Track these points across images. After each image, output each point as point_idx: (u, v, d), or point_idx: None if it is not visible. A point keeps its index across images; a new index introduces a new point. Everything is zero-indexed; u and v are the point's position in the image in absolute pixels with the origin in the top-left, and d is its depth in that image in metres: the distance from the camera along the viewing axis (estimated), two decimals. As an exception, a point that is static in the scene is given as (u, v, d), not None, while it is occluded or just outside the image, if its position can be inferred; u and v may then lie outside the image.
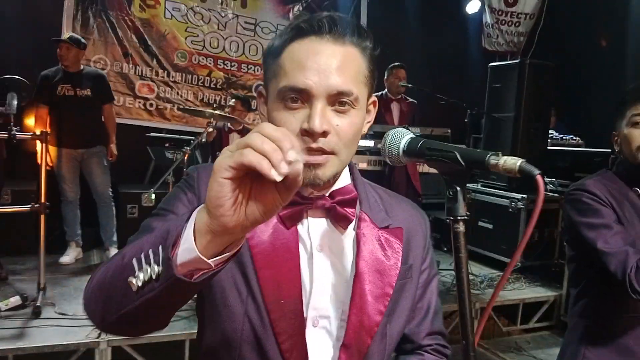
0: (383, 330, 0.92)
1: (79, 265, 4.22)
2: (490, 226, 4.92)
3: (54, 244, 4.04)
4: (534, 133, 4.84)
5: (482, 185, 5.15)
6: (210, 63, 5.71)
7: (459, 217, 0.68)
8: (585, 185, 1.49)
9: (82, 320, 3.06)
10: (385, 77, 4.70)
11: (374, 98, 0.93)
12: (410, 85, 4.48)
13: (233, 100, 4.44)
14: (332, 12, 0.85)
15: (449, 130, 4.27)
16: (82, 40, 4.20)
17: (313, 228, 0.91)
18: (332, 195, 0.90)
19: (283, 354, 0.86)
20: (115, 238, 4.31)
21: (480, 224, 5.03)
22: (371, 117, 0.93)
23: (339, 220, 0.91)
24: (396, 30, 6.39)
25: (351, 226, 0.92)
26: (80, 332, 2.91)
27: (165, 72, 5.50)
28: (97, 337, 2.85)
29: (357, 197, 0.92)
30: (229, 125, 4.29)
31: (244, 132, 4.36)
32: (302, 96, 0.83)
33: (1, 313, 3.07)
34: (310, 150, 0.82)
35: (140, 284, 0.66)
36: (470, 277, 4.41)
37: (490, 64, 5.27)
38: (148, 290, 0.66)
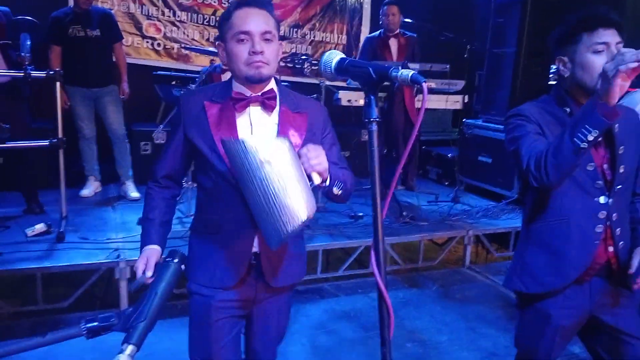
0: None
1: (98, 197, 4.52)
2: (489, 160, 5.07)
3: (73, 179, 4.32)
4: (534, 69, 4.89)
5: (483, 121, 5.27)
6: (215, 2, 5.74)
7: (372, 119, 0.87)
8: (517, 109, 1.65)
9: (102, 244, 3.38)
10: (380, 16, 4.74)
11: (281, 42, 1.55)
12: (409, 20, 4.53)
13: None
14: None
15: (448, 66, 4.35)
16: None
17: (253, 112, 1.54)
18: (263, 94, 1.53)
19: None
20: (130, 173, 4.58)
21: (480, 158, 5.18)
22: (281, 51, 1.56)
23: (266, 108, 1.55)
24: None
25: (276, 110, 1.56)
26: (101, 254, 3.22)
27: (171, 11, 5.57)
28: (117, 258, 3.16)
29: (276, 95, 1.55)
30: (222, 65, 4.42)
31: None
32: (246, 35, 1.46)
33: (28, 238, 3.39)
34: (256, 61, 1.46)
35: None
36: (466, 207, 4.64)
37: (495, -1, 5.25)
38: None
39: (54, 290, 3.20)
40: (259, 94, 1.53)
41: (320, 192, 1.56)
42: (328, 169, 1.41)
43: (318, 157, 1.37)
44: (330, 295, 3.60)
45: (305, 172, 1.34)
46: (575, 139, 1.39)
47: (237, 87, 1.54)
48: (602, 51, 1.52)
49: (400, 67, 0.83)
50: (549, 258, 1.64)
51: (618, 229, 1.61)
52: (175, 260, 1.24)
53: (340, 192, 1.52)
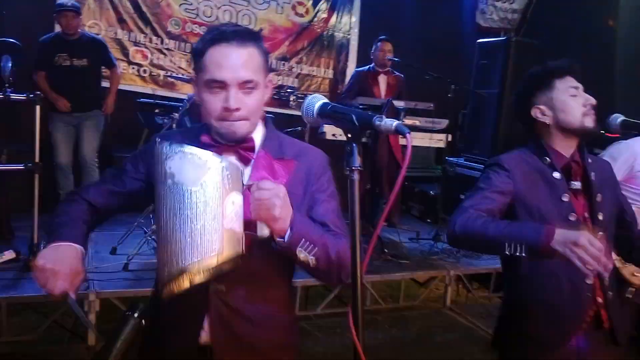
0: None
1: (72, 224, 4.38)
2: (470, 199, 5.07)
3: (48, 203, 4.19)
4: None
5: (465, 160, 5.30)
6: (203, 31, 5.74)
7: (354, 168, 0.84)
8: (498, 159, 1.65)
9: (72, 274, 3.25)
10: (372, 50, 4.80)
11: (269, 77, 1.28)
12: (397, 59, 4.58)
13: None
14: (236, 26, 1.22)
15: (432, 105, 4.38)
16: (78, 5, 4.30)
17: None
18: (238, 143, 1.24)
19: None
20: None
21: (462, 197, 5.17)
22: (269, 90, 1.29)
23: (241, 159, 1.25)
24: (390, 3, 6.44)
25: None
26: (70, 284, 3.10)
27: (159, 39, 5.57)
28: (86, 290, 3.04)
29: (254, 146, 1.26)
30: None
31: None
32: (220, 85, 1.18)
33: (-5, 265, 3.26)
34: (229, 120, 1.19)
35: None
36: (448, 246, 4.60)
37: (478, 41, 5.36)
38: None
39: (21, 321, 3.07)
40: (233, 142, 1.25)
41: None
42: (290, 221, 1.07)
43: (270, 199, 1.02)
44: (308, 335, 3.50)
45: (249, 214, 1.06)
46: (507, 246, 1.39)
47: (210, 131, 1.27)
48: (576, 95, 1.61)
49: (384, 116, 0.81)
50: (545, 317, 1.60)
51: (606, 279, 1.59)
52: (135, 315, 1.05)
53: (311, 260, 1.11)
